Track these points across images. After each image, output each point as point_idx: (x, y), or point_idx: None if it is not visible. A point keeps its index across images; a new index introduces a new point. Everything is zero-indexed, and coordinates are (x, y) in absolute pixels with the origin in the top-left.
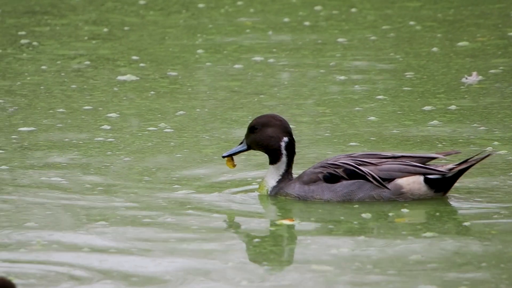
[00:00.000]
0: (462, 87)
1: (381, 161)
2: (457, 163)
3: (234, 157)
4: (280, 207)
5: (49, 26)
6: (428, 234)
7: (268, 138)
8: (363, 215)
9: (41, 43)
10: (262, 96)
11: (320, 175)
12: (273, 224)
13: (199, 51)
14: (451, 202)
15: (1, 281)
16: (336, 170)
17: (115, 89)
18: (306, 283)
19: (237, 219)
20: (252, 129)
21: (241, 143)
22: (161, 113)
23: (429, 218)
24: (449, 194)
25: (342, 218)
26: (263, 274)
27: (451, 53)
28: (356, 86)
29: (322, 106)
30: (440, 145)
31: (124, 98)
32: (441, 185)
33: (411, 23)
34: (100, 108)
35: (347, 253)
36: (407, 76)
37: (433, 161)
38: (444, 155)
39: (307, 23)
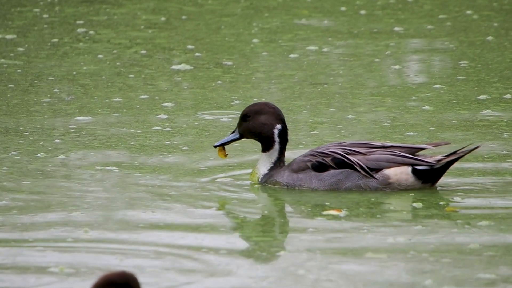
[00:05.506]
0: None
1: (370, 151)
2: (446, 154)
3: (226, 146)
4: (331, 197)
5: (107, 15)
6: (483, 222)
7: (261, 126)
8: (414, 204)
9: (97, 32)
10: (326, 85)
11: (309, 164)
12: (320, 214)
13: (255, 40)
14: (504, 192)
15: (123, 274)
16: (325, 159)
17: (171, 78)
18: (363, 271)
19: (285, 208)
20: (244, 117)
21: (233, 131)
22: (216, 102)
23: (483, 207)
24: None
25: (392, 208)
26: (318, 263)
27: (506, 42)
28: (412, 75)
29: (379, 95)
30: (505, 135)
31: (182, 87)
32: (429, 176)
33: (468, 12)
34: (156, 97)
35: (403, 242)
36: (462, 65)
37: (422, 151)
38: (433, 146)
39: (363, 11)
